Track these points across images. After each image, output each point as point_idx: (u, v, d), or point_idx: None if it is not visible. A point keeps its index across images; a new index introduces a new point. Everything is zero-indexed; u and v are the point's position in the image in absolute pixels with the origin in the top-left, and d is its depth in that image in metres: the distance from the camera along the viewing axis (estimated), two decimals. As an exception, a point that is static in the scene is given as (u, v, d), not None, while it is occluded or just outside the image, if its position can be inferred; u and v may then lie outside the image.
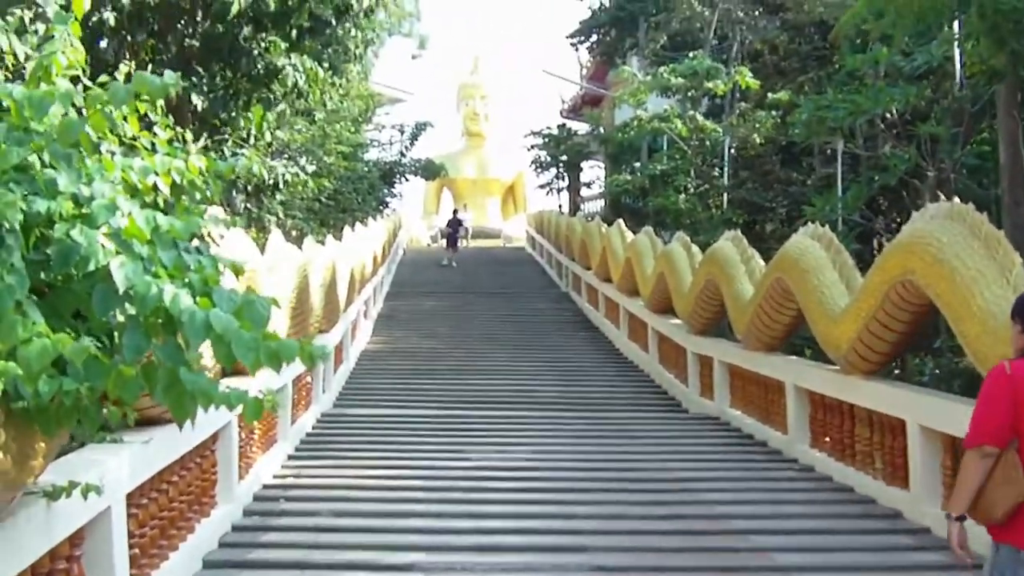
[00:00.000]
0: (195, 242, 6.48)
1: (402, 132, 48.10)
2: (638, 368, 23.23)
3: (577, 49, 48.08)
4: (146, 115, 7.48)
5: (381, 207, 43.82)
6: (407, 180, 50.83)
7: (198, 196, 7.17)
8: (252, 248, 10.46)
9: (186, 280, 4.65)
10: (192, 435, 8.50)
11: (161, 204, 6.75)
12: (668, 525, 10.44)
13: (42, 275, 4.51)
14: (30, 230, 4.45)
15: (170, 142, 7.17)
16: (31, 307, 4.13)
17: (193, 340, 4.31)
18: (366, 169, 39.66)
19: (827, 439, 12.94)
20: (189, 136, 7.23)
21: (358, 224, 28.04)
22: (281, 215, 20.71)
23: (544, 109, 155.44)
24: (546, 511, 10.90)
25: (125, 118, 7.09)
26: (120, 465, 6.70)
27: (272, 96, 16.28)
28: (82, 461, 6.39)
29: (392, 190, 48.27)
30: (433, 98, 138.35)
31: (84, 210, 4.58)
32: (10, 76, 7.45)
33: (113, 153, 6.75)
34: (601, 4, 43.32)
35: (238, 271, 5.46)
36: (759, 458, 14.05)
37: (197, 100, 14.80)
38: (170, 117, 7.35)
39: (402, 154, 47.20)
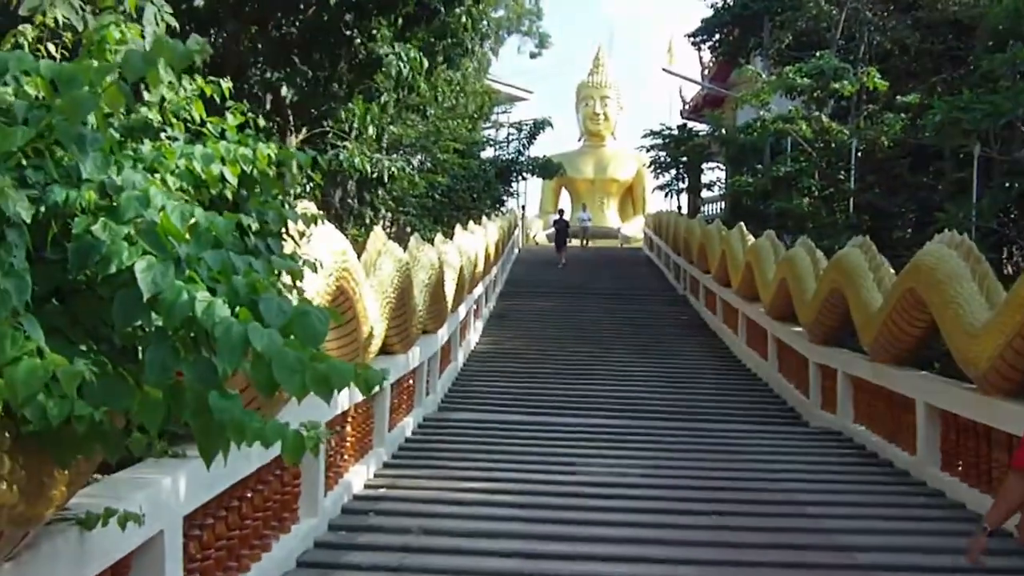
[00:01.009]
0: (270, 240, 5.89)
1: (520, 130, 47.49)
2: (756, 376, 22.33)
3: (699, 48, 47.10)
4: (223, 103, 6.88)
5: (497, 205, 43.26)
6: (524, 179, 50.31)
7: (273, 189, 6.57)
8: (345, 245, 9.82)
9: (233, 287, 3.94)
10: (266, 453, 7.90)
11: (230, 196, 6.15)
12: (787, 556, 9.62)
13: (67, 277, 3.86)
14: (47, 224, 3.80)
15: (242, 128, 6.55)
16: (29, 319, 3.45)
17: (228, 358, 3.60)
18: (482, 167, 39.05)
19: (960, 463, 11.97)
20: (262, 122, 6.56)
21: (471, 222, 27.35)
22: (384, 211, 20.02)
23: (664, 109, 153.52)
24: (656, 536, 10.13)
25: (190, 101, 6.51)
26: (175, 485, 6.06)
27: (376, 87, 15.61)
28: (130, 482, 5.76)
29: (509, 188, 47.74)
30: (554, 98, 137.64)
31: (111, 202, 3.91)
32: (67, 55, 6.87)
33: (174, 139, 6.16)
34: (724, 2, 42.27)
35: (296, 275, 4.77)
36: (884, 480, 13.11)
37: (287, 92, 14.18)
38: (245, 104, 6.73)
39: (519, 152, 46.59)
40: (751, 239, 24.71)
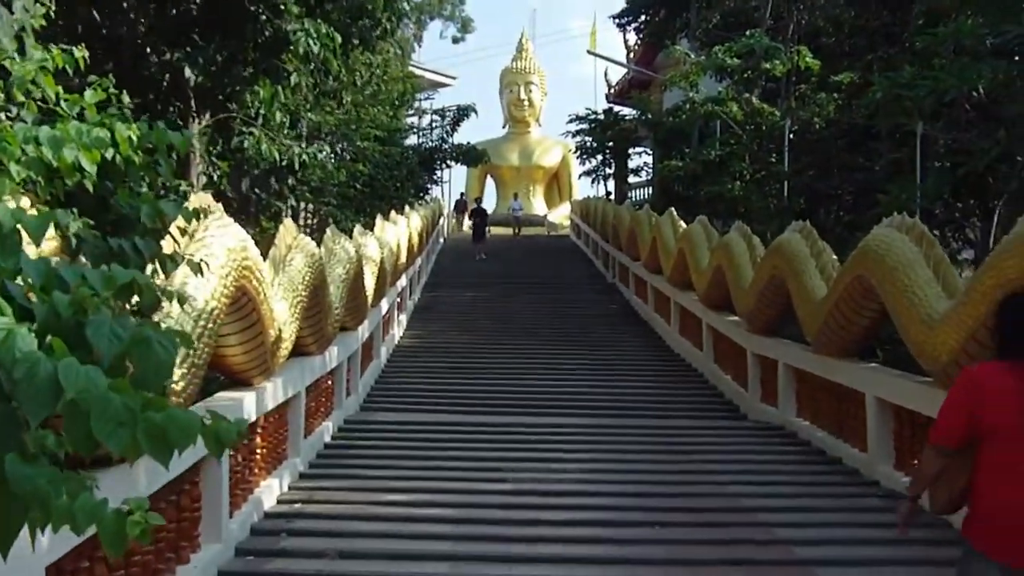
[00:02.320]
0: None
1: (443, 117, 46.53)
2: (691, 367, 21.58)
3: (624, 30, 46.35)
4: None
5: (421, 194, 42.31)
6: (448, 167, 49.44)
7: (146, 177, 5.60)
8: (246, 241, 8.85)
9: (53, 307, 2.97)
10: (159, 475, 6.94)
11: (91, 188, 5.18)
12: (739, 573, 8.78)
13: None
14: None
15: (103, 107, 5.56)
16: None
17: (32, 407, 2.62)
18: (405, 155, 38.02)
19: (916, 462, 11.19)
20: (127, 99, 5.56)
21: (392, 212, 26.36)
22: (297, 201, 18.86)
23: (588, 94, 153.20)
24: (593, 554, 9.26)
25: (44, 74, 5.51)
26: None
27: (284, 68, 14.50)
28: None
29: (433, 176, 46.79)
30: (478, 83, 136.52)
31: None
32: None
33: (13, 120, 5.19)
34: (650, -18, 41.57)
35: (145, 292, 3.81)
36: (834, 479, 12.27)
37: (190, 73, 13.06)
38: (111, 79, 5.77)
39: (443, 140, 45.64)
40: (682, 225, 23.96)
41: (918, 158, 18.19)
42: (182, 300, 5.87)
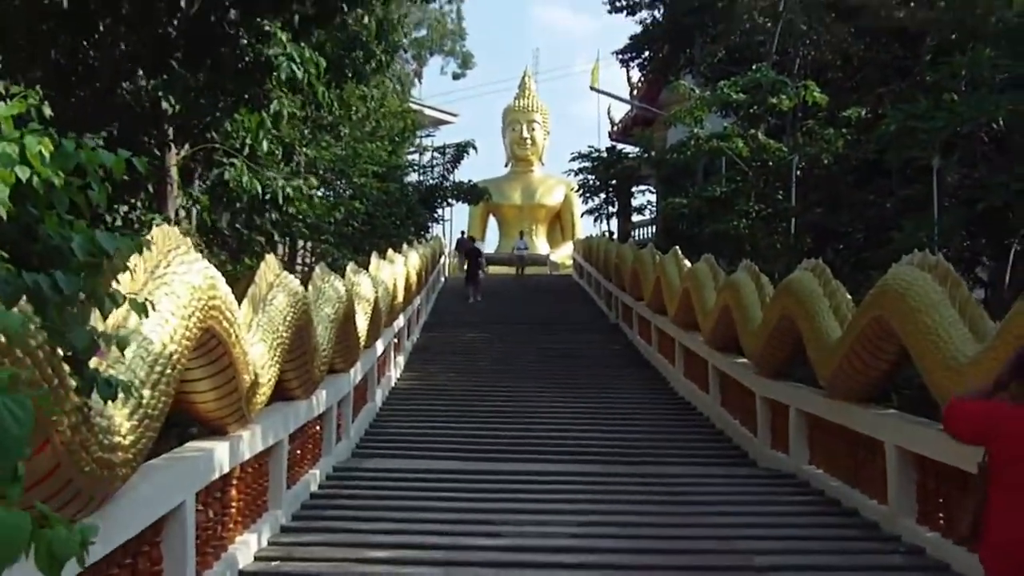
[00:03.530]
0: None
1: (444, 154, 45.94)
2: (696, 411, 20.82)
3: (628, 67, 45.72)
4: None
5: (422, 232, 41.62)
6: (449, 204, 48.85)
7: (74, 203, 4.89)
8: (215, 278, 8.13)
9: None
10: (111, 536, 6.24)
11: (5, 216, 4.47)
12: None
13: None
14: None
15: (22, 121, 4.83)
16: None
17: None
18: (404, 192, 37.33)
19: (942, 516, 10.42)
20: (48, 112, 4.83)
21: (390, 250, 25.63)
22: (278, 236, 18.00)
23: (592, 132, 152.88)
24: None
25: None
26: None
27: (265, 95, 13.71)
28: None
29: (434, 214, 46.14)
30: (480, 120, 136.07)
31: None
32: None
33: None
34: (654, 18, 40.93)
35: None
36: (852, 533, 11.48)
37: (166, 105, 12.30)
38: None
39: (444, 177, 45.00)
40: (687, 264, 23.26)
41: (935, 193, 17.46)
42: (122, 345, 5.18)
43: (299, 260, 30.54)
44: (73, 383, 5.08)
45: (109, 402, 5.96)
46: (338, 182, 31.14)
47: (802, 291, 14.29)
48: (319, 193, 26.11)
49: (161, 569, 7.65)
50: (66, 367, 4.92)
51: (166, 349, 6.98)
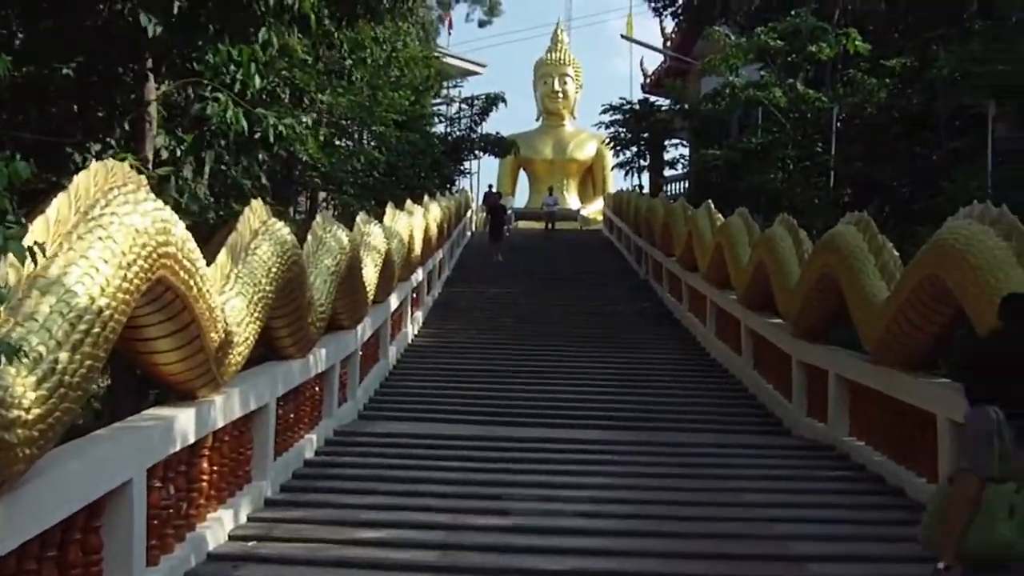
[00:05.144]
0: None
1: (471, 106, 44.66)
2: (728, 373, 19.69)
3: (660, 16, 44.26)
4: None
5: (448, 185, 40.41)
6: (477, 157, 47.63)
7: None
8: (168, 221, 7.01)
9: None
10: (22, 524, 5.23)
11: None
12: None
13: None
14: None
15: None
16: None
17: None
18: (428, 143, 36.04)
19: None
20: None
21: (408, 201, 24.45)
22: (265, 180, 16.60)
23: (624, 90, 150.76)
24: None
25: None
26: None
27: (252, 23, 12.39)
28: None
29: (460, 167, 44.90)
30: (507, 70, 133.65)
31: None
32: None
33: None
34: (688, -36, 39.48)
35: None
36: (899, 516, 10.24)
37: (147, 23, 11.07)
38: None
39: (471, 129, 43.73)
40: (720, 218, 22.06)
41: (989, 143, 16.13)
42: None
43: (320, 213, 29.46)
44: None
45: (6, 368, 4.89)
46: (356, 130, 29.94)
47: (845, 247, 13.11)
48: (335, 140, 24.93)
49: (100, 558, 6.59)
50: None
51: (94, 303, 5.85)
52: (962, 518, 5.41)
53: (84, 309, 5.75)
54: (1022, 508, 5.33)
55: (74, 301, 5.68)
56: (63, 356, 5.49)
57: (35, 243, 4.50)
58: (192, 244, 7.52)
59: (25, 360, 5.05)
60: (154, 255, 6.69)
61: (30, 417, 5.12)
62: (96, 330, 5.85)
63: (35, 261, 4.41)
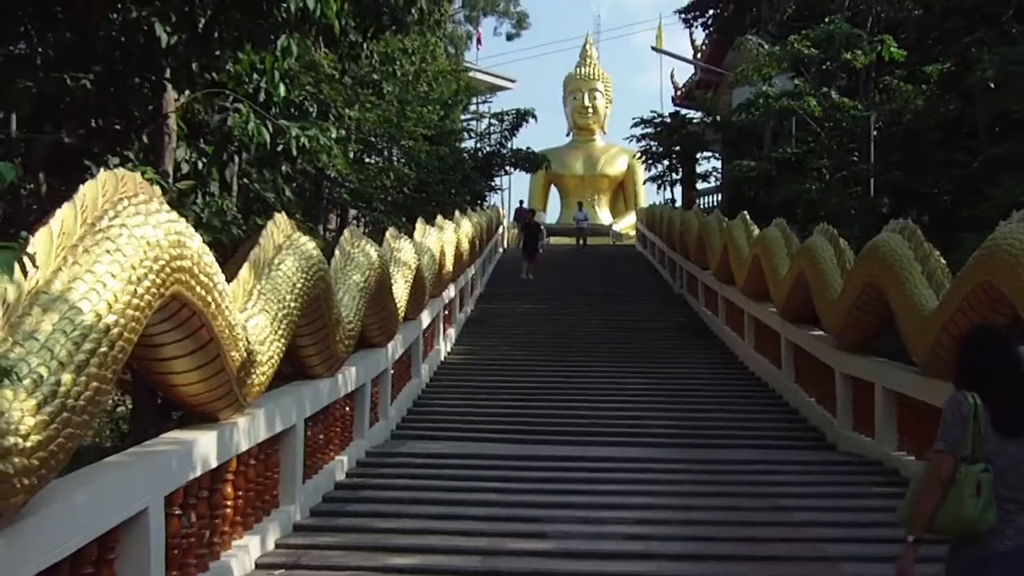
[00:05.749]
0: None
1: (502, 121, 44.37)
2: (767, 387, 19.24)
3: (691, 27, 43.93)
4: None
5: (479, 201, 40.06)
6: (507, 173, 47.34)
7: None
8: (181, 233, 6.64)
9: None
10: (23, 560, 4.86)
11: None
12: None
13: None
14: None
15: None
16: None
17: None
18: (458, 158, 35.71)
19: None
20: None
21: (439, 217, 24.10)
22: (289, 193, 16.19)
23: (654, 104, 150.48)
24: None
25: None
26: None
27: (273, 31, 12.03)
28: None
29: (491, 183, 44.57)
30: (535, 85, 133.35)
31: None
32: None
33: None
34: (719, -27, 39.15)
35: None
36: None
37: (160, 32, 10.73)
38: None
39: (501, 144, 43.42)
40: (756, 230, 21.61)
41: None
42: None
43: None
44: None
45: (1, 392, 4.52)
46: (385, 147, 29.62)
47: (891, 255, 12.66)
48: (364, 157, 24.60)
49: (119, 588, 6.21)
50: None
51: (101, 321, 5.47)
52: (935, 496, 5.49)
53: (90, 327, 5.37)
54: (988, 486, 5.41)
55: (79, 319, 5.30)
56: (66, 378, 5.11)
57: (26, 254, 4.13)
58: (210, 258, 7.14)
59: (24, 382, 4.69)
60: (167, 269, 6.32)
61: (28, 444, 4.74)
62: (103, 349, 5.47)
63: (24, 274, 4.05)
